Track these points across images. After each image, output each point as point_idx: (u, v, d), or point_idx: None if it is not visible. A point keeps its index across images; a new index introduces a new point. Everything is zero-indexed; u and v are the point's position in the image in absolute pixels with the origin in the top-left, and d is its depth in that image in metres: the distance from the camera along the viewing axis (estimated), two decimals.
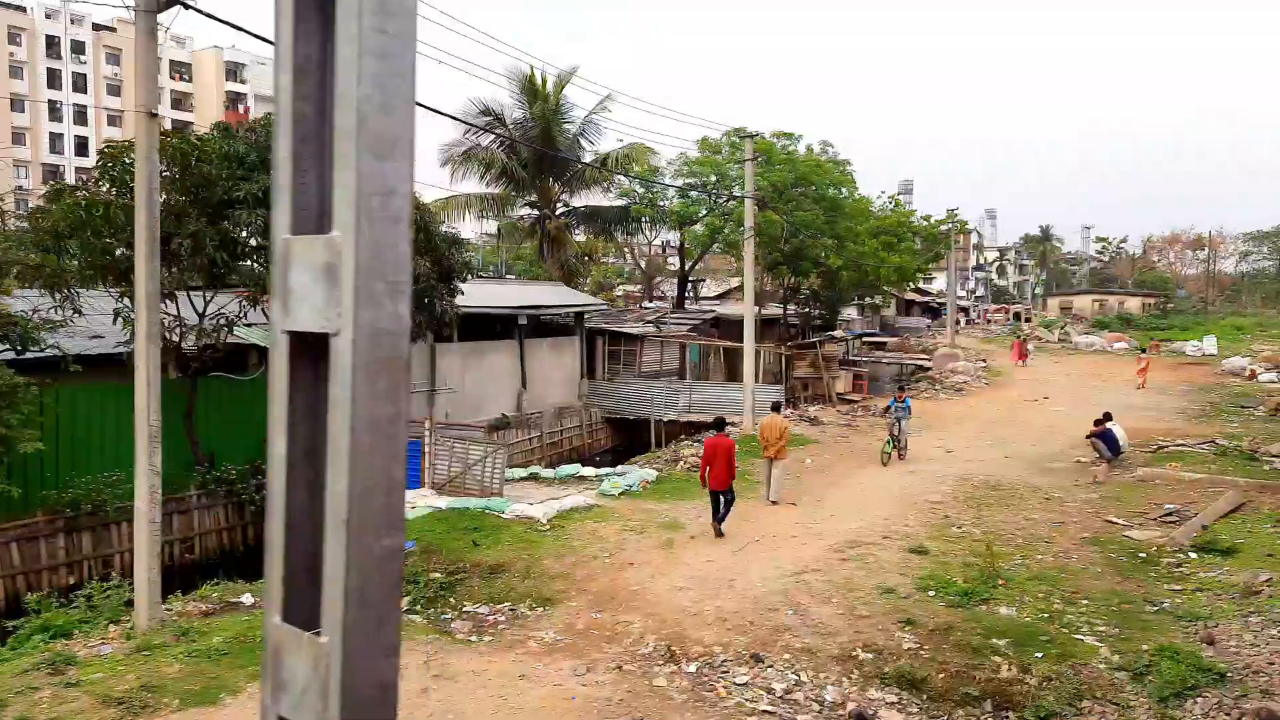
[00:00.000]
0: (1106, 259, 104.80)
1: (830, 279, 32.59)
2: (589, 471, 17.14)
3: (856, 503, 15.35)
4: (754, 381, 22.87)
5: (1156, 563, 11.59)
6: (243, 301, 16.14)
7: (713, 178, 29.13)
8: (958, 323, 78.50)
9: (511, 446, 21.95)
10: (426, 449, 15.29)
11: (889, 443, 18.61)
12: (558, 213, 29.63)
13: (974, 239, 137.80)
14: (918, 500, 15.16)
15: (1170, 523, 13.22)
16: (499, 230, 31.50)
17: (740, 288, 40.39)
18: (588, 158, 29.41)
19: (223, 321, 15.79)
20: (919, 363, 42.83)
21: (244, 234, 15.42)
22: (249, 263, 16.04)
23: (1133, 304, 76.28)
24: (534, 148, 26.89)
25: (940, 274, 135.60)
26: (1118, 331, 62.29)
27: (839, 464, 19.15)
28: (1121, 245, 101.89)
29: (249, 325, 17.92)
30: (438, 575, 11.71)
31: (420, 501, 14.11)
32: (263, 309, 17.40)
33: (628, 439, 25.48)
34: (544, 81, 28.24)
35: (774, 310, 37.05)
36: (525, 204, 29.97)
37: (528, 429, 22.83)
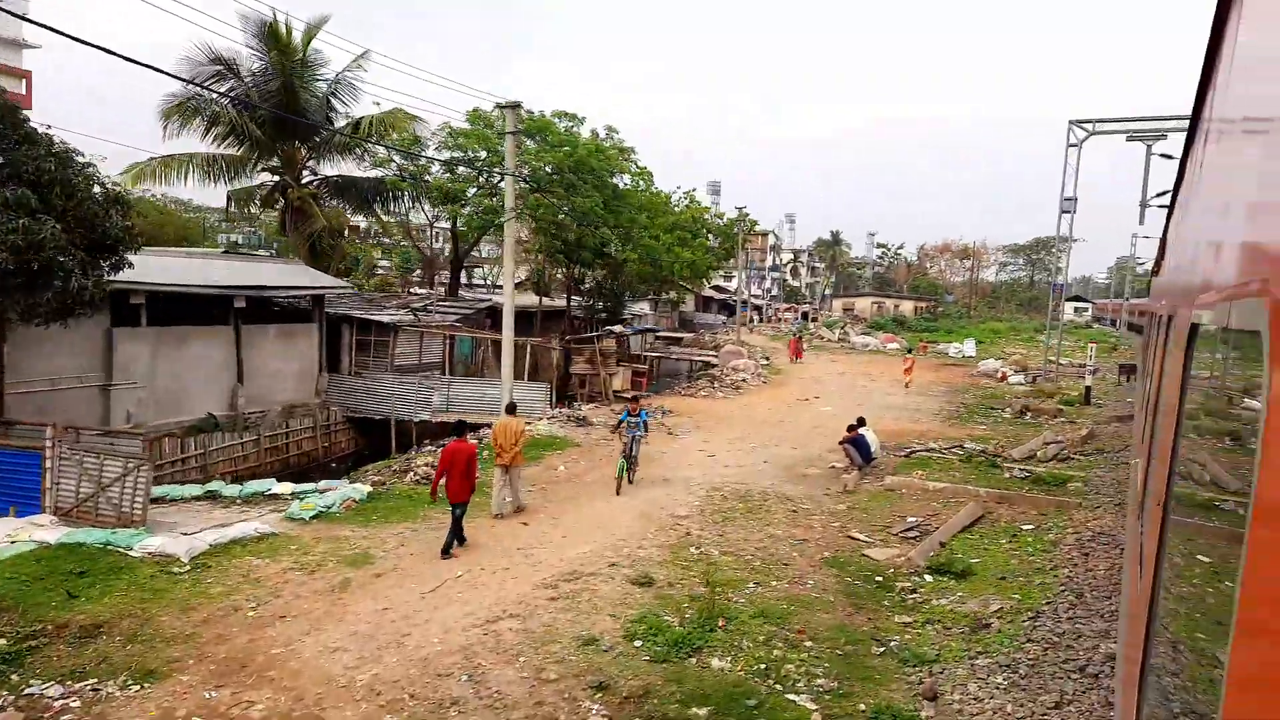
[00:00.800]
0: (886, 264, 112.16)
1: (615, 271, 31.10)
2: (284, 488, 14.27)
3: (597, 519, 13.63)
4: (514, 378, 20.79)
5: (891, 587, 10.60)
6: None
7: (482, 153, 26.63)
8: (750, 320, 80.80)
9: (217, 452, 18.54)
10: (48, 464, 11.86)
11: (623, 466, 15.34)
12: (304, 181, 25.96)
13: (770, 240, 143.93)
14: (662, 515, 13.64)
15: (911, 539, 12.46)
16: (228, 197, 27.30)
17: (530, 277, 38.24)
18: (342, 122, 25.97)
19: None
20: (707, 359, 42.66)
21: None
22: None
23: (906, 307, 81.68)
24: (269, 108, 23.22)
25: (736, 272, 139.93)
26: (891, 333, 66.12)
27: (593, 471, 17.45)
28: (899, 251, 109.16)
29: None
30: (2, 642, 8.66)
31: (24, 535, 10.78)
32: None
33: (374, 442, 22.59)
34: (288, 30, 24.58)
35: (562, 302, 35.27)
36: (265, 169, 26.08)
37: (243, 431, 19.42)
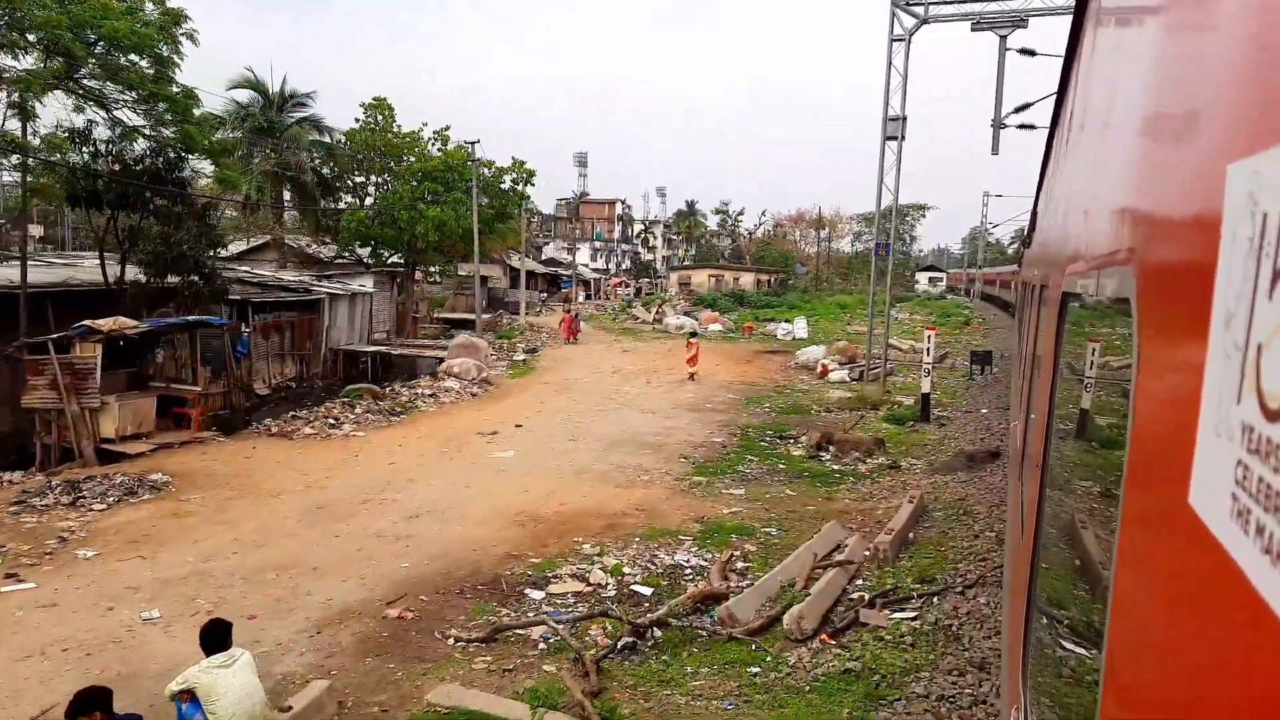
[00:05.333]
0: (726, 232, 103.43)
1: (174, 222, 18.43)
2: None
3: None
4: None
5: None
6: None
7: None
8: (572, 298, 69.49)
9: None
10: None
11: None
12: None
13: (618, 209, 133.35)
14: None
15: None
16: None
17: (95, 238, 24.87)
18: None
19: None
20: (439, 355, 31.03)
21: None
22: None
23: (747, 280, 72.27)
24: None
25: (584, 245, 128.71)
26: (726, 309, 56.19)
27: None
28: (739, 217, 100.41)
29: None
30: None
31: None
32: None
33: None
34: None
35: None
36: None
37: None
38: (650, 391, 24.26)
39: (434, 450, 16.14)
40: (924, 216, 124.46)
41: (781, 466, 15.44)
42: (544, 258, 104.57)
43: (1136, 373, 1.11)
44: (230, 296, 24.93)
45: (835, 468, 15.38)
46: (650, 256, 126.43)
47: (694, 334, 30.64)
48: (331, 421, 17.33)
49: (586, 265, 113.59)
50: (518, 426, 18.42)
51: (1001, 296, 60.26)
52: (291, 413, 18.24)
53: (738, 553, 10.46)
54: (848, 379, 26.61)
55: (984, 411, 20.61)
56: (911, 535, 11.01)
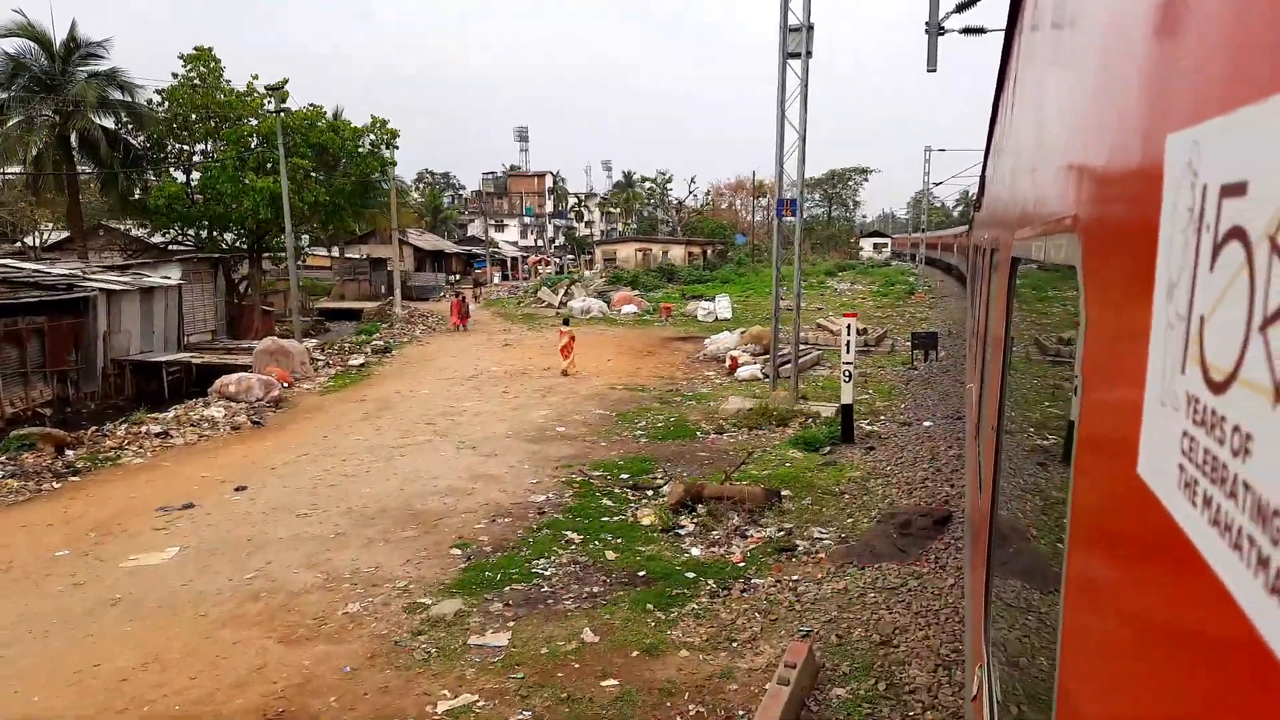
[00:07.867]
0: (656, 202, 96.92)
1: None
2: None
3: None
4: None
5: None
6: None
7: None
8: (477, 284, 62.69)
9: None
10: None
11: None
12: None
13: (548, 183, 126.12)
14: None
15: None
16: None
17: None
18: None
19: None
20: (240, 361, 24.42)
21: None
22: None
23: (677, 253, 66.16)
24: None
25: (513, 221, 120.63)
26: (651, 286, 50.14)
27: None
28: (668, 185, 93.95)
29: None
30: None
31: None
32: None
33: None
34: None
35: None
36: None
37: None
38: (496, 408, 18.17)
39: (43, 553, 9.86)
40: (866, 180, 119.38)
41: (610, 556, 9.51)
42: (467, 235, 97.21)
43: (1083, 342, 1.11)
44: None
45: (694, 554, 9.52)
46: (587, 232, 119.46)
47: (566, 321, 24.70)
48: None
49: (514, 243, 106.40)
50: (238, 490, 12.19)
51: (944, 260, 55.90)
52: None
53: None
54: (760, 375, 20.80)
55: (928, 424, 14.95)
56: None
